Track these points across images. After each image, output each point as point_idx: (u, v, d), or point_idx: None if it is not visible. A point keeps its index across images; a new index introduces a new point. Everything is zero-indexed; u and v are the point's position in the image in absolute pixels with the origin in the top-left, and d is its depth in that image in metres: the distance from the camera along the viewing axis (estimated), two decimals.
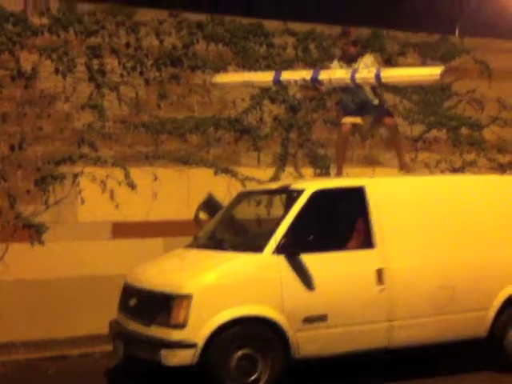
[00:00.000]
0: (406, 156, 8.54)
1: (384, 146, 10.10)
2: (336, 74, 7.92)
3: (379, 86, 7.97)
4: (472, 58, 11.02)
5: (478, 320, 7.14)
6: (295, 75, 8.26)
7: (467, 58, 11.06)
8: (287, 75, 8.23)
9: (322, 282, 6.58)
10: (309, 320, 6.50)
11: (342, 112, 8.46)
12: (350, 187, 7.14)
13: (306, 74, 8.03)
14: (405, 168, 8.29)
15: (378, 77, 7.50)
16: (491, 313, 7.17)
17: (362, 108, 8.17)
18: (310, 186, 7.05)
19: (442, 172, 10.36)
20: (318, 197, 6.87)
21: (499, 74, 11.13)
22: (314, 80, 7.85)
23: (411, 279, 6.94)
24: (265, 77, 8.48)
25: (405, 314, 6.87)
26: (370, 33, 10.69)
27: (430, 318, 6.95)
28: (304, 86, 8.35)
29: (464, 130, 10.76)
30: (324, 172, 9.82)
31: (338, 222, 7.09)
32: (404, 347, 6.92)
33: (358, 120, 8.23)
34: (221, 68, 9.61)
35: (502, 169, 10.70)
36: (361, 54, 8.13)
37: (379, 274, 6.79)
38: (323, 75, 7.86)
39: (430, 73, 7.49)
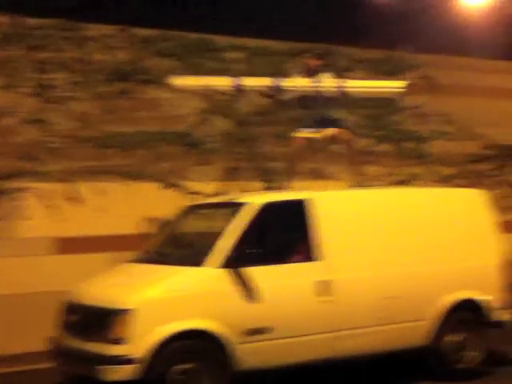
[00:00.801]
0: (359, 170, 8.56)
1: (336, 159, 10.17)
2: (299, 82, 7.92)
3: (342, 97, 7.98)
4: (420, 74, 11.21)
5: (420, 329, 7.22)
6: (257, 81, 8.18)
7: (416, 74, 11.23)
8: (248, 81, 8.15)
9: (266, 295, 6.57)
10: (253, 332, 6.48)
11: (299, 126, 8.46)
12: (296, 200, 7.15)
13: (268, 81, 8.00)
14: (357, 178, 8.31)
15: (341, 87, 7.53)
16: (431, 322, 7.26)
17: (319, 122, 8.18)
18: (256, 199, 7.07)
19: (389, 185, 10.47)
20: (265, 210, 6.88)
21: (448, 89, 11.33)
22: (277, 87, 7.83)
23: (356, 291, 6.99)
24: (224, 81, 8.37)
25: (350, 325, 6.91)
26: (322, 49, 10.80)
27: (374, 328, 6.99)
28: (263, 93, 8.32)
29: (410, 144, 10.93)
30: (273, 186, 9.85)
31: (285, 234, 7.11)
32: (349, 357, 6.94)
33: (311, 134, 8.25)
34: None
35: (446, 181, 10.87)
36: (322, 69, 8.15)
37: (324, 285, 6.82)
38: (286, 83, 7.83)
39: (395, 85, 7.58)
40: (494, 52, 13.56)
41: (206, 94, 9.51)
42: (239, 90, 8.39)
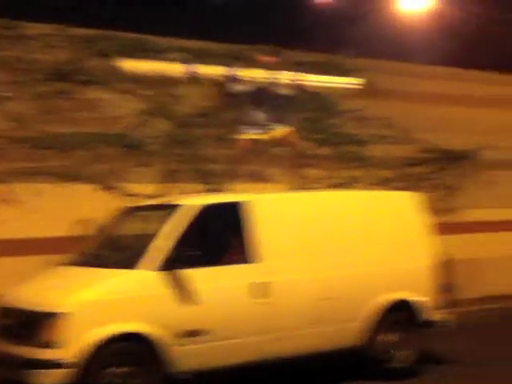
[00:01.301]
0: (300, 172, 8.59)
1: (276, 161, 10.20)
2: (255, 73, 7.87)
3: (299, 92, 7.95)
4: (360, 78, 11.32)
5: (353, 329, 7.35)
6: (211, 70, 8.10)
7: (356, 78, 11.35)
8: (202, 69, 8.05)
9: (203, 297, 6.60)
10: (189, 334, 6.50)
11: (244, 127, 8.40)
12: (234, 202, 7.20)
13: (223, 70, 7.92)
14: (297, 181, 8.31)
15: (298, 81, 7.54)
16: (364, 322, 7.40)
17: (267, 121, 8.14)
18: (194, 201, 7.10)
19: (329, 188, 10.57)
20: (203, 212, 6.90)
21: (388, 94, 11.47)
22: (232, 77, 7.76)
23: (292, 292, 7.07)
24: (177, 68, 8.24)
25: (285, 327, 6.99)
26: (264, 50, 10.81)
27: (309, 329, 7.09)
28: (213, 82, 8.20)
29: (350, 147, 11.05)
30: (214, 188, 9.84)
31: (223, 236, 7.14)
32: (284, 359, 7.00)
33: (257, 135, 8.22)
34: (111, 83, 9.51)
35: (384, 184, 11.03)
36: (276, 66, 8.07)
37: (261, 287, 6.87)
38: (242, 72, 7.78)
39: (354, 82, 7.65)
40: (432, 58, 13.86)
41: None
42: (192, 78, 8.25)
